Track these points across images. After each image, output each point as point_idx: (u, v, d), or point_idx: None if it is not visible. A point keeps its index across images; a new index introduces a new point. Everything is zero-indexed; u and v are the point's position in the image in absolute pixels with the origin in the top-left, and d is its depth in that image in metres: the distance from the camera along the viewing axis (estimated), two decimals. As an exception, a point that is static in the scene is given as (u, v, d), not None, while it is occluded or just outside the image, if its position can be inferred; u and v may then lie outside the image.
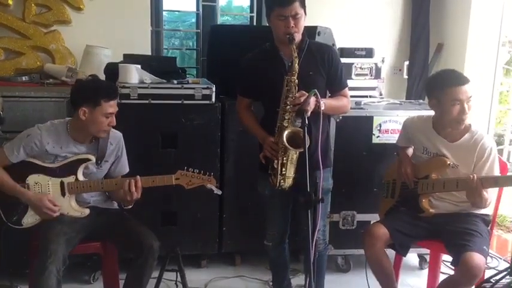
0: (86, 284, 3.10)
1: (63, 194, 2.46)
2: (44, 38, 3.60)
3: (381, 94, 3.59)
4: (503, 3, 3.90)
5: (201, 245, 3.28)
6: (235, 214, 3.27)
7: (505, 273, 2.48)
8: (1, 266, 2.74)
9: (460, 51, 4.01)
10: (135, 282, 2.48)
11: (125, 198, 2.49)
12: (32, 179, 2.44)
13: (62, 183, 2.45)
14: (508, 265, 2.53)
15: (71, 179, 2.46)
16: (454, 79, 2.51)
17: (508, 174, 2.79)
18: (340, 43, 3.42)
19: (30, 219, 2.45)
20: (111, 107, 2.44)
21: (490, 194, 2.47)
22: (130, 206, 2.57)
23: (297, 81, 2.29)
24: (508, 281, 2.46)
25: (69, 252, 2.34)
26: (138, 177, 2.46)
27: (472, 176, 2.38)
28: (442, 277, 2.72)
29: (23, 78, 3.47)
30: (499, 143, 4.31)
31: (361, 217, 3.25)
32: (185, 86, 3.03)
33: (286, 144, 2.27)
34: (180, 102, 3.01)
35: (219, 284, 3.20)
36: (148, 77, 3.00)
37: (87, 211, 2.51)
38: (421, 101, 3.72)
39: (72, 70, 3.42)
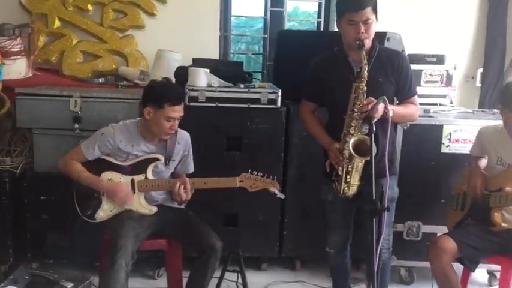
0: (151, 279, 3.21)
1: (133, 191, 2.57)
2: (120, 42, 3.77)
3: (451, 102, 3.47)
4: None
5: (261, 247, 3.30)
6: (296, 219, 3.26)
7: None
8: (76, 258, 2.90)
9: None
10: (198, 280, 2.55)
11: (175, 198, 2.57)
12: (105, 175, 2.56)
13: (132, 181, 2.56)
14: None
15: (141, 177, 2.57)
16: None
17: None
18: (409, 49, 3.33)
19: (102, 213, 2.57)
20: (174, 111, 2.51)
21: None
22: (183, 206, 2.66)
23: (365, 88, 2.25)
24: None
25: (137, 247, 2.43)
26: (187, 179, 2.54)
27: None
28: (513, 296, 2.58)
29: (99, 80, 3.67)
30: None
31: (427, 228, 3.15)
32: (252, 90, 3.07)
33: (353, 152, 2.24)
34: (246, 106, 3.06)
35: (279, 288, 3.21)
36: (216, 81, 3.07)
37: (155, 209, 2.61)
38: (495, 110, 3.55)
39: (144, 73, 3.57)
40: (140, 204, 2.59)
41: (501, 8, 4.00)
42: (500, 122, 2.60)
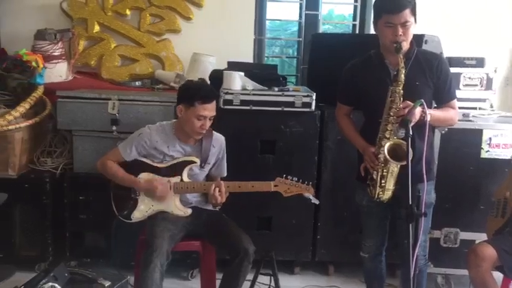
0: (184, 280, 3.24)
1: (169, 193, 2.61)
2: (156, 46, 3.85)
3: (491, 106, 3.38)
4: None
5: (294, 251, 3.29)
6: (330, 223, 3.24)
7: None
8: (113, 257, 2.97)
9: None
10: (231, 283, 2.55)
11: (209, 201, 2.60)
12: (142, 176, 2.61)
13: (168, 183, 2.60)
14: None
15: (176, 179, 2.60)
16: None
17: None
18: (448, 52, 3.26)
19: (138, 214, 2.62)
20: (205, 110, 2.52)
21: None
22: (218, 208, 2.68)
23: (402, 91, 2.21)
24: None
25: (172, 248, 2.46)
26: (222, 182, 2.55)
27: None
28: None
29: (136, 83, 3.76)
30: None
31: (465, 235, 3.07)
32: (286, 93, 3.07)
33: (388, 156, 2.21)
34: (280, 109, 3.05)
35: (312, 293, 3.19)
36: (250, 84, 3.08)
37: (189, 211, 2.64)
38: (537, 114, 3.44)
39: (179, 76, 3.62)
40: (175, 206, 2.62)
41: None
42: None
